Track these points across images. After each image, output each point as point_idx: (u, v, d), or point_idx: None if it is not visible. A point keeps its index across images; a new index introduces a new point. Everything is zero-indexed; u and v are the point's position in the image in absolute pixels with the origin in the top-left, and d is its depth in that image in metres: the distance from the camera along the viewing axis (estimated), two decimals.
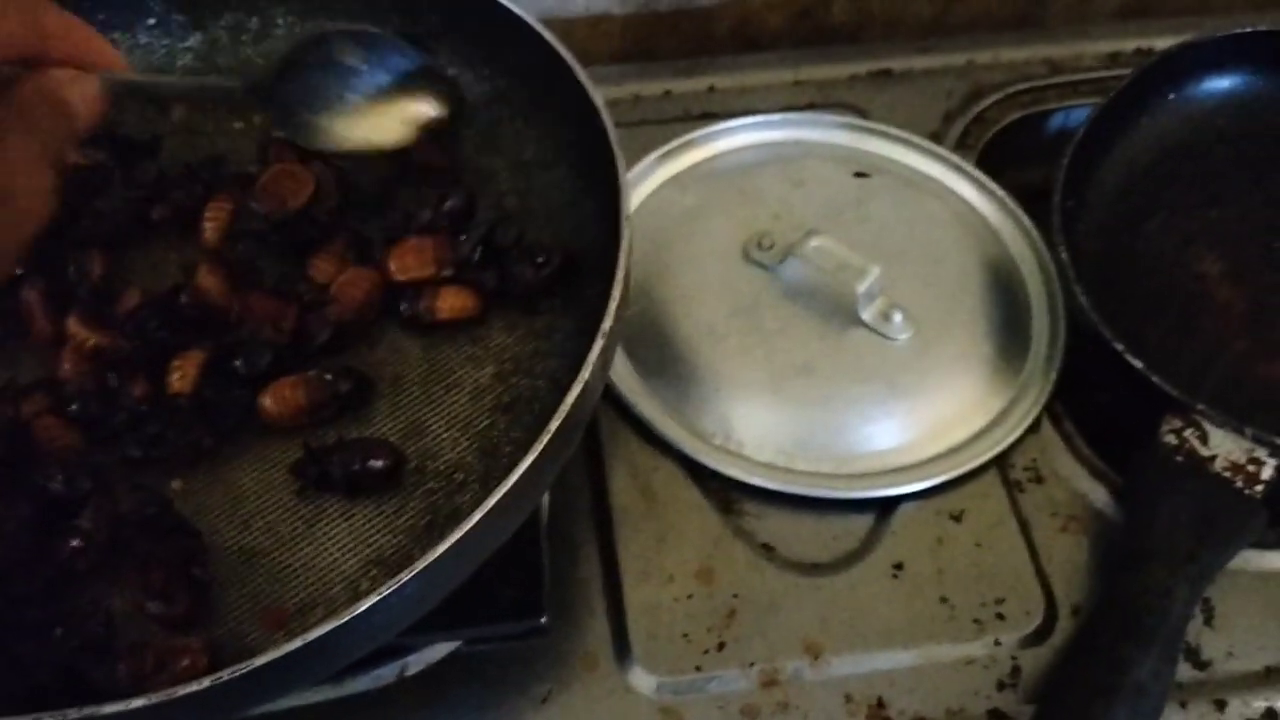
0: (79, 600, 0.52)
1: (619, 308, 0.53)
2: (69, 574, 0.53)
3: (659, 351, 0.67)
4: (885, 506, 0.64)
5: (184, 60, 0.71)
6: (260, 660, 0.43)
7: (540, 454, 0.48)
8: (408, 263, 0.60)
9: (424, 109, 0.61)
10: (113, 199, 0.64)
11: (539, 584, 0.59)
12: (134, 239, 0.64)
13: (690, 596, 0.60)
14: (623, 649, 0.59)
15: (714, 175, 0.76)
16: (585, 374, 0.50)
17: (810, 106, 0.82)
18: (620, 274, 0.53)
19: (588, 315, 0.60)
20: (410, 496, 0.56)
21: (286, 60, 0.56)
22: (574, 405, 0.49)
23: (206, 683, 0.42)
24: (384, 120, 0.60)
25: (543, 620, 0.58)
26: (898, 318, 0.67)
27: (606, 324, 0.52)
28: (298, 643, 0.43)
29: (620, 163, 0.57)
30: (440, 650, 0.58)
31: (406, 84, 0.60)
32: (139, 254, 0.63)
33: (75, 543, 0.53)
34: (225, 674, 0.42)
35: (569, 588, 0.61)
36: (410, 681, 0.57)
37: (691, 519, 0.63)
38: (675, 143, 0.77)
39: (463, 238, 0.62)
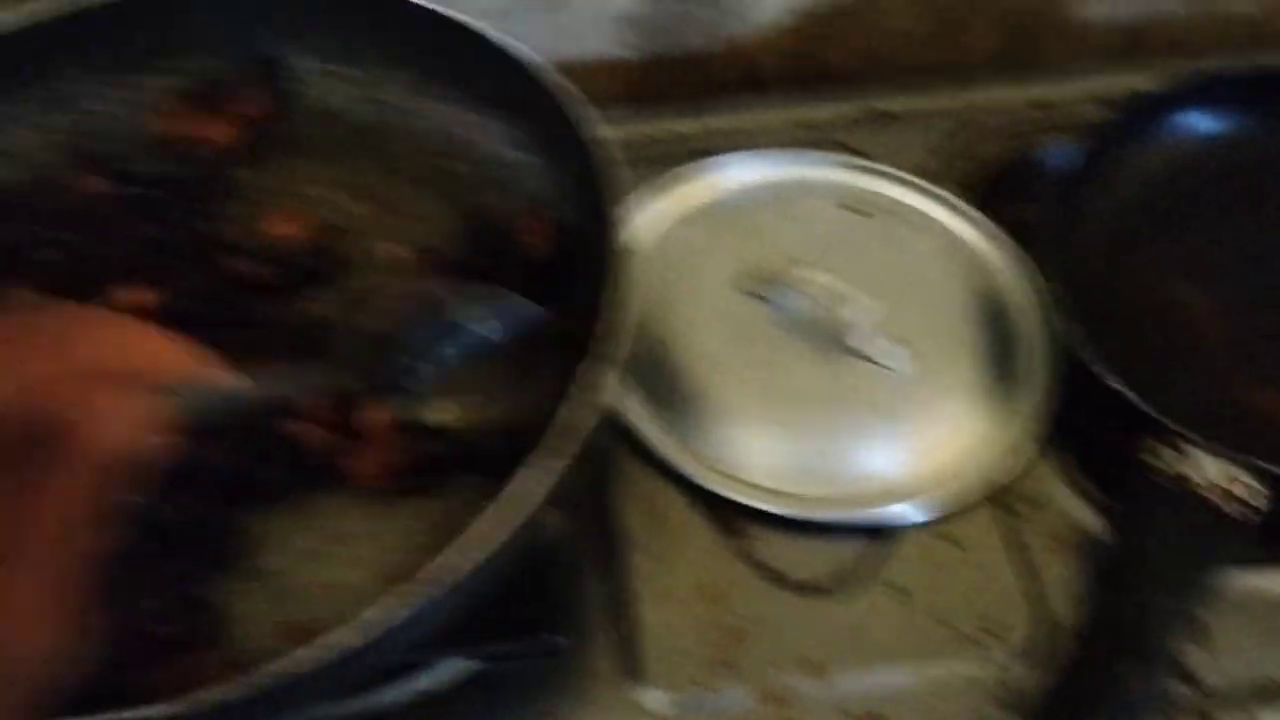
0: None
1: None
2: None
3: (663, 379, 0.69)
4: (886, 532, 0.66)
5: None
6: (271, 670, 0.44)
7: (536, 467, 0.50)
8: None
9: None
10: None
11: (552, 604, 0.61)
12: None
13: (698, 616, 0.62)
14: (634, 667, 0.61)
15: (711, 211, 0.78)
16: (580, 396, 0.52)
17: (810, 147, 0.84)
18: (617, 305, 0.55)
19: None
20: (433, 513, 0.58)
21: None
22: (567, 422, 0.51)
23: (220, 694, 0.44)
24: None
25: (557, 639, 0.60)
26: (894, 347, 0.70)
27: (601, 348, 0.54)
28: (307, 654, 0.45)
29: (612, 189, 0.59)
30: (454, 669, 0.59)
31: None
32: None
33: None
34: (242, 683, 0.44)
35: (581, 608, 0.63)
36: (426, 700, 0.59)
37: (697, 541, 0.65)
38: (669, 178, 0.80)
39: None
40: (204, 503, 0.56)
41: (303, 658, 0.45)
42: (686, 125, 0.87)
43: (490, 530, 0.48)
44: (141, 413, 0.36)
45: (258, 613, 0.55)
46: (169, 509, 0.55)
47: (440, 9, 0.69)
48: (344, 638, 0.45)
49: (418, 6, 0.70)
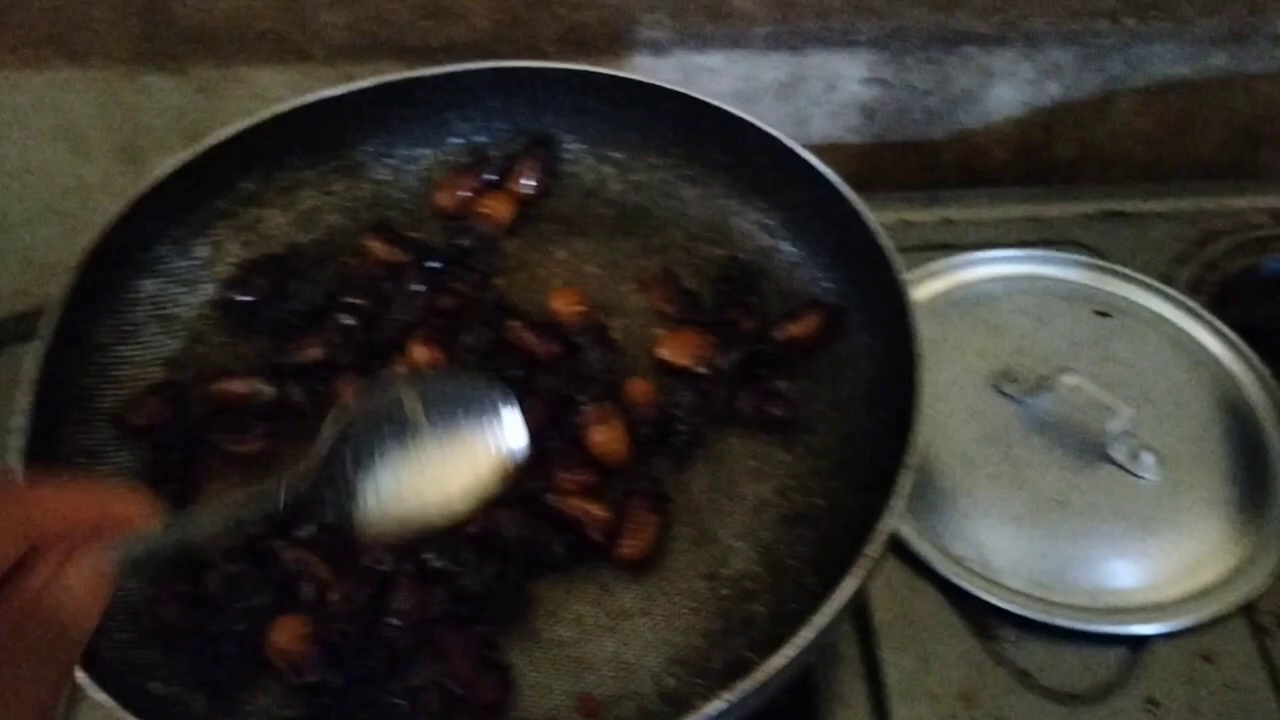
0: (405, 678, 0.57)
1: (916, 445, 0.56)
2: (392, 654, 0.58)
3: (914, 475, 0.70)
4: (1137, 643, 0.66)
5: None
6: None
7: (855, 589, 0.52)
8: (676, 348, 0.66)
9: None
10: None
11: (812, 694, 0.62)
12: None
13: (953, 717, 0.63)
14: None
15: (956, 305, 0.80)
16: (898, 505, 0.54)
17: (1044, 242, 0.85)
18: (918, 418, 0.57)
19: (861, 439, 0.65)
20: (706, 600, 0.60)
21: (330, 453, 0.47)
22: (886, 535, 0.53)
23: None
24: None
25: None
26: (1147, 458, 0.70)
27: (910, 459, 0.56)
28: None
29: (908, 299, 0.62)
30: None
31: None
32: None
33: (395, 622, 0.58)
34: None
35: (836, 700, 0.64)
36: None
37: (951, 641, 0.66)
38: (917, 272, 0.81)
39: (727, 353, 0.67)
40: (503, 571, 0.59)
41: None
42: (916, 214, 0.89)
43: (810, 631, 0.50)
44: (90, 572, 0.38)
45: (550, 681, 0.57)
46: (473, 575, 0.58)
47: (707, 99, 0.72)
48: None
49: (681, 95, 0.73)
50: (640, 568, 0.61)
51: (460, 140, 0.77)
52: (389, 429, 0.47)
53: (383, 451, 0.47)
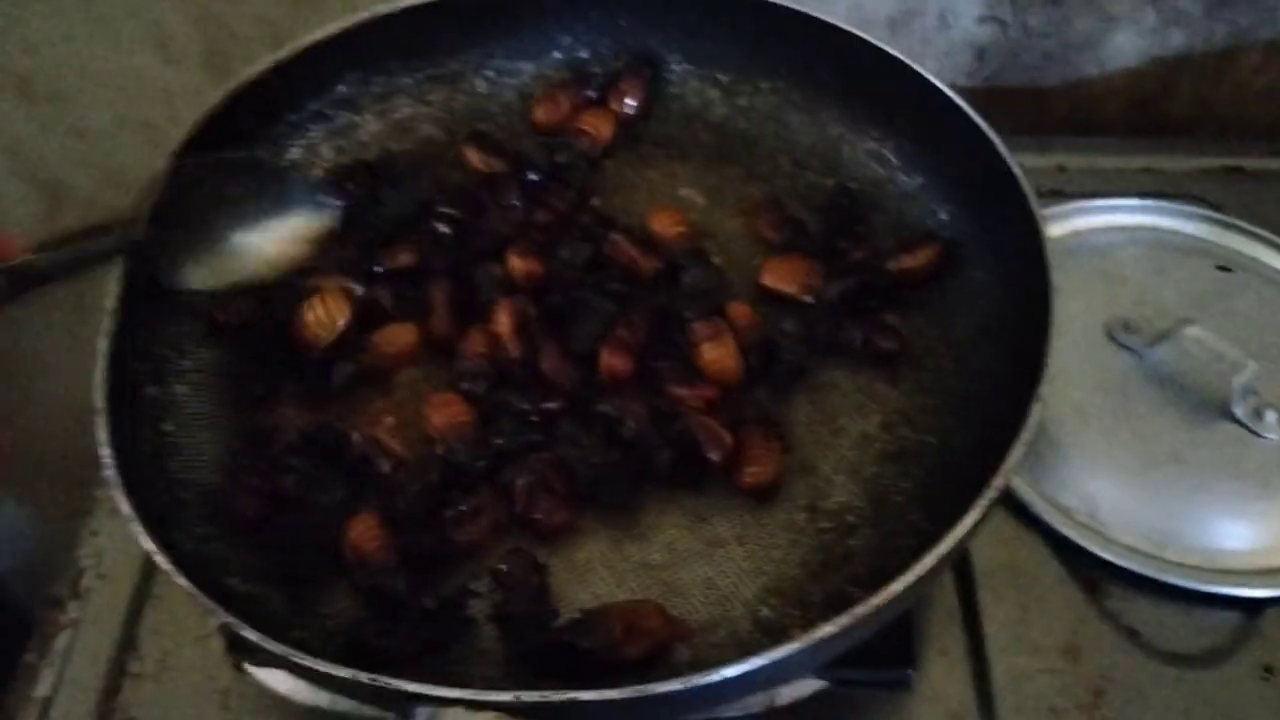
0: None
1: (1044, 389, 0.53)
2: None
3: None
4: (1253, 607, 0.63)
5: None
6: (727, 672, 0.44)
7: (976, 521, 0.49)
8: (781, 274, 0.63)
9: (310, 225, 0.63)
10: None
11: (908, 636, 0.59)
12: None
13: (1056, 670, 0.60)
14: (988, 713, 0.59)
15: (1071, 253, 0.76)
16: (1026, 438, 0.51)
17: (1160, 195, 0.81)
18: (1049, 350, 0.54)
19: (975, 376, 0.62)
20: (804, 532, 0.58)
21: (161, 204, 0.58)
22: (1012, 469, 0.50)
23: (678, 685, 0.44)
24: (271, 246, 0.62)
25: (909, 672, 0.59)
26: (1270, 416, 0.66)
27: (1041, 391, 0.52)
28: (759, 661, 0.45)
29: (1043, 228, 0.58)
30: (809, 686, 0.58)
31: (290, 205, 0.63)
32: None
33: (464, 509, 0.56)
34: (696, 679, 0.44)
35: (933, 645, 0.61)
36: (778, 713, 0.58)
37: (1056, 593, 0.63)
38: None
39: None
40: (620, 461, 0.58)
41: (738, 663, 0.44)
42: (1028, 159, 0.84)
43: (925, 565, 0.47)
44: None
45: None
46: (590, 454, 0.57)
47: (825, 18, 0.69)
48: (771, 654, 0.45)
49: (796, 13, 0.70)
50: (765, 495, 0.58)
51: (561, 55, 0.75)
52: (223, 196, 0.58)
53: (216, 211, 0.58)
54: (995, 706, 0.59)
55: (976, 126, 0.63)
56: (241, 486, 0.57)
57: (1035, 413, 0.51)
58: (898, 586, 0.46)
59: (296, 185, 0.65)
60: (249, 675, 0.60)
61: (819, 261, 0.66)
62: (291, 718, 0.60)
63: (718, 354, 0.60)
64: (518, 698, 0.44)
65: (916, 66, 0.66)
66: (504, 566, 0.55)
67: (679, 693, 0.44)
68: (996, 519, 0.65)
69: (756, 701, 0.58)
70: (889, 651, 0.59)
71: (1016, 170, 0.60)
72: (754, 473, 0.58)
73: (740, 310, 0.63)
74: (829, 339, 0.63)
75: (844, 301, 0.64)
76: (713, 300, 0.64)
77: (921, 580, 0.47)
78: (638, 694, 0.44)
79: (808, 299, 0.64)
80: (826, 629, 0.45)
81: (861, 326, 0.63)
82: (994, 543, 0.65)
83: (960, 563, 0.64)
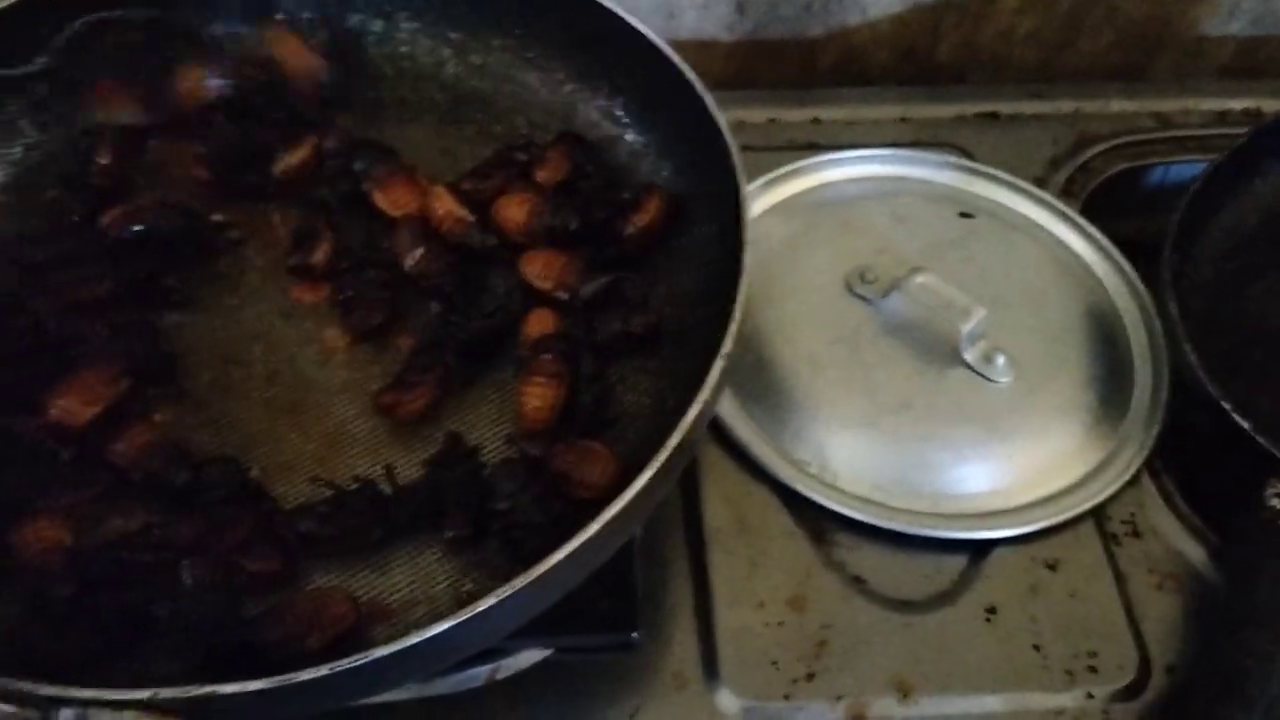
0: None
1: (738, 329, 0.53)
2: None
3: (757, 377, 0.67)
4: (979, 549, 0.63)
5: None
6: (380, 652, 0.43)
7: (659, 469, 0.48)
8: (536, 267, 0.61)
9: None
10: None
11: (632, 599, 0.58)
12: None
13: (781, 624, 0.60)
14: (712, 671, 0.59)
15: (818, 205, 0.76)
16: (705, 394, 0.50)
17: (916, 144, 0.82)
18: (740, 297, 0.54)
19: (693, 335, 0.61)
20: None
21: None
22: (693, 423, 0.49)
23: (325, 670, 0.43)
24: None
25: (634, 635, 0.58)
26: (1000, 360, 0.67)
27: (727, 345, 0.52)
28: (415, 639, 0.43)
29: (743, 184, 0.58)
30: (531, 657, 0.57)
31: None
32: None
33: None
34: (344, 662, 0.43)
35: (660, 606, 0.61)
36: (501, 685, 0.57)
37: (784, 546, 0.63)
38: (780, 170, 0.78)
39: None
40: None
41: (405, 637, 0.43)
42: (786, 113, 0.85)
43: (611, 521, 0.46)
44: None
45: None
46: None
47: None
48: (449, 622, 0.44)
49: None
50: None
51: (283, 17, 0.72)
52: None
53: None
54: (719, 663, 0.59)
55: (688, 80, 0.62)
56: None
57: (716, 370, 0.50)
58: (558, 556, 0.45)
59: None
60: None
61: (574, 251, 0.63)
62: None
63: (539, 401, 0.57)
64: (155, 694, 0.42)
65: (632, 20, 0.64)
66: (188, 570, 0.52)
67: (329, 678, 0.43)
68: (729, 475, 0.65)
69: (475, 675, 0.57)
70: (613, 615, 0.58)
71: (722, 123, 0.59)
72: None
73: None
74: (591, 339, 0.60)
75: (598, 298, 0.62)
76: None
77: (587, 547, 0.46)
78: (280, 683, 0.42)
79: (563, 296, 0.62)
80: (491, 599, 0.44)
81: (617, 312, 0.61)
82: (725, 500, 0.64)
83: (692, 522, 0.64)
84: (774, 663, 0.59)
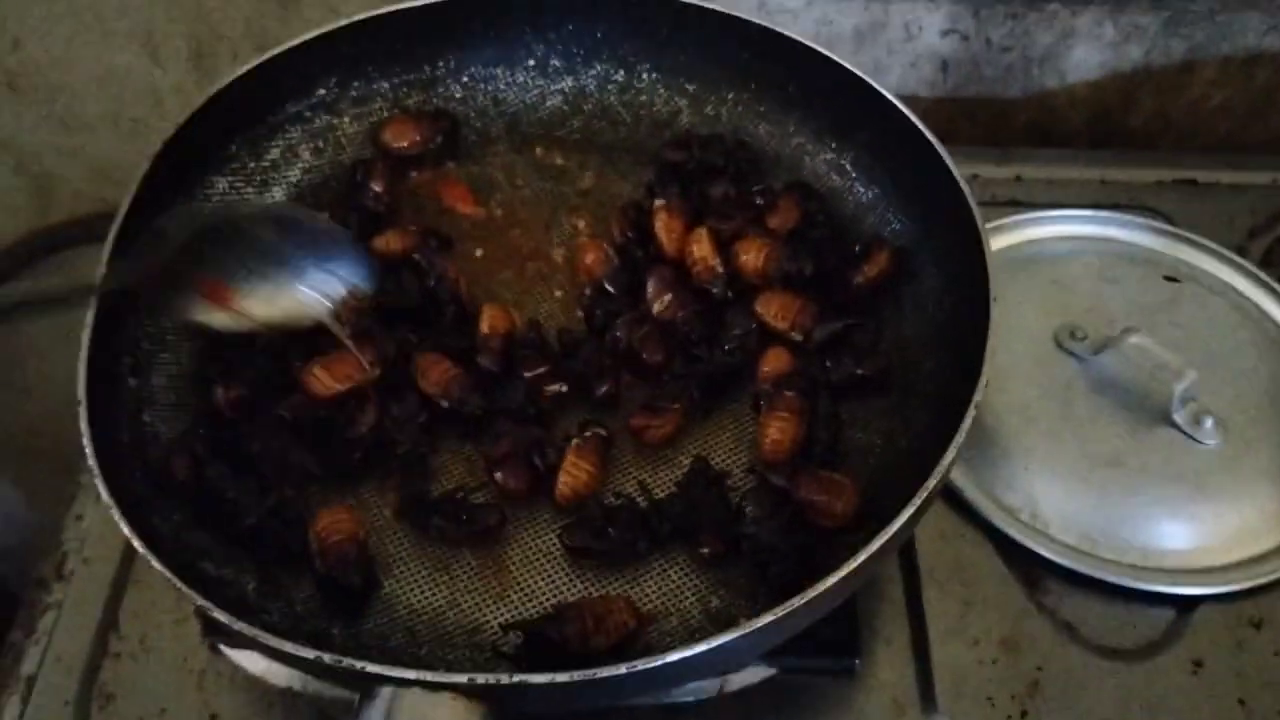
0: None
1: (985, 384, 0.56)
2: None
3: (975, 424, 0.70)
4: (1186, 604, 0.65)
5: (553, 101, 0.78)
6: (672, 656, 0.47)
7: (918, 508, 0.51)
8: (773, 308, 0.65)
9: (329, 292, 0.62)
10: None
11: (854, 627, 0.62)
12: None
13: (995, 662, 0.63)
14: (929, 701, 0.62)
15: (1024, 262, 0.79)
16: (959, 438, 0.54)
17: (1115, 206, 0.84)
18: (989, 349, 0.57)
19: (922, 380, 0.64)
20: None
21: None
22: (948, 466, 0.53)
23: (623, 669, 0.47)
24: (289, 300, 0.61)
25: (855, 661, 0.62)
26: (1209, 423, 0.69)
27: (978, 394, 0.55)
28: (702, 647, 0.47)
29: (985, 238, 0.61)
30: (758, 673, 0.61)
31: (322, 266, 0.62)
32: None
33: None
34: (640, 664, 0.47)
35: (878, 637, 0.64)
36: (728, 698, 0.61)
37: (996, 588, 0.66)
38: (986, 226, 0.80)
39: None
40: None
41: (693, 645, 0.47)
42: (987, 169, 0.88)
43: (857, 562, 0.50)
44: None
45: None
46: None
47: (789, 33, 0.72)
48: (727, 636, 0.47)
49: (763, 29, 0.72)
50: None
51: (534, 62, 0.77)
52: (244, 247, 0.57)
53: (236, 265, 0.57)
54: (935, 695, 0.62)
55: (926, 139, 0.66)
56: (179, 448, 0.59)
57: (969, 417, 0.54)
58: (831, 581, 0.49)
59: (337, 241, 0.65)
60: (224, 656, 0.63)
61: (806, 294, 0.67)
62: (265, 698, 0.62)
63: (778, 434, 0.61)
64: (472, 679, 0.47)
65: (872, 81, 0.68)
66: None
67: (623, 677, 0.47)
68: (942, 516, 0.68)
69: (707, 686, 0.61)
70: (836, 641, 0.62)
71: (961, 181, 0.63)
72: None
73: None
74: (825, 379, 0.64)
75: (830, 341, 0.66)
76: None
77: (852, 575, 0.49)
78: (584, 678, 0.46)
79: (796, 337, 0.66)
80: (766, 618, 0.48)
81: (849, 355, 0.65)
82: (939, 539, 0.67)
83: (906, 558, 0.67)
84: (989, 698, 0.62)
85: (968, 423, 0.54)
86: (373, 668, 0.47)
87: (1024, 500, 0.68)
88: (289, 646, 0.48)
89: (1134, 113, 0.94)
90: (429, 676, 0.47)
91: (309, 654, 0.48)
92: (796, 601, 0.48)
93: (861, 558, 0.49)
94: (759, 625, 0.48)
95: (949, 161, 0.64)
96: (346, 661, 0.47)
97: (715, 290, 0.67)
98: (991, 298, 0.59)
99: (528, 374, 0.63)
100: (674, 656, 0.47)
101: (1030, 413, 0.70)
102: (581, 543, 0.57)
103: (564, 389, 0.63)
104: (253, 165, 0.72)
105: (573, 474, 0.59)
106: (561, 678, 0.46)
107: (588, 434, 0.60)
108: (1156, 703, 0.62)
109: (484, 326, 0.65)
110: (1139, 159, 0.89)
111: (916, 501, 0.51)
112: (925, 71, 0.92)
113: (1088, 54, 0.90)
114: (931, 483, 0.52)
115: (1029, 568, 0.66)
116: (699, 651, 0.47)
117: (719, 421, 0.64)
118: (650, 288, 0.66)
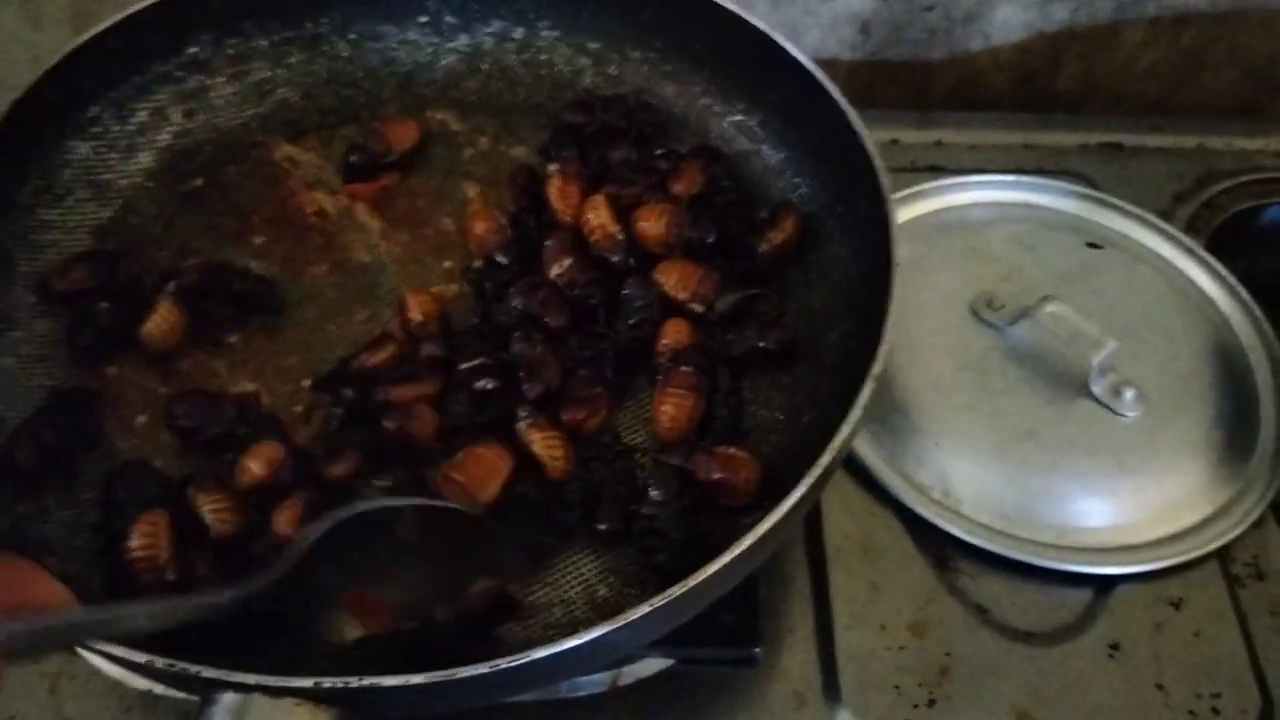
0: None
1: (888, 351, 0.53)
2: None
3: (881, 398, 0.67)
4: (1104, 584, 0.63)
5: (447, 61, 0.73)
6: (538, 654, 0.43)
7: (813, 482, 0.48)
8: (672, 278, 0.61)
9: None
10: None
11: (755, 614, 0.59)
12: None
13: (902, 648, 0.60)
14: (832, 691, 0.59)
15: (942, 229, 0.76)
16: (857, 412, 0.50)
17: (1039, 171, 0.81)
18: (889, 318, 0.54)
19: (828, 352, 0.61)
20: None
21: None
22: (845, 440, 0.49)
23: (485, 669, 0.43)
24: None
25: (756, 650, 0.58)
26: (1129, 394, 0.66)
27: (877, 366, 0.52)
28: (573, 642, 0.44)
29: (890, 204, 0.57)
30: (653, 665, 0.58)
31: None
32: None
33: None
34: (503, 663, 0.43)
35: (781, 623, 0.61)
36: (622, 692, 0.57)
37: (906, 570, 0.63)
38: (904, 192, 0.77)
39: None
40: None
41: (571, 640, 0.44)
42: (908, 134, 0.85)
43: (757, 539, 0.46)
44: None
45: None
46: None
47: None
48: (600, 630, 0.44)
49: None
50: None
51: (427, 19, 0.73)
52: (371, 545, 0.50)
53: (360, 564, 0.50)
54: (839, 685, 0.59)
55: (834, 100, 0.62)
56: (26, 435, 0.55)
57: (868, 389, 0.50)
58: (712, 569, 0.45)
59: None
60: (79, 659, 0.58)
61: (709, 264, 0.63)
62: (123, 701, 0.58)
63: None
64: (317, 683, 0.43)
65: (782, 40, 0.65)
66: None
67: (485, 676, 0.43)
68: (850, 495, 0.65)
69: (599, 680, 0.58)
70: (736, 629, 0.58)
71: (869, 143, 0.59)
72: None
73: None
74: (726, 353, 0.60)
75: (732, 312, 0.62)
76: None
77: (736, 563, 0.46)
78: (443, 678, 0.43)
79: (697, 308, 0.62)
80: (642, 609, 0.45)
81: (752, 327, 0.61)
82: (847, 519, 0.64)
83: (813, 540, 0.64)
84: (896, 687, 0.59)
85: (865, 395, 0.50)
86: (209, 672, 0.43)
87: (935, 477, 0.65)
88: (120, 650, 0.44)
89: (1060, 75, 0.91)
90: (270, 681, 0.43)
91: (141, 658, 0.43)
92: (676, 591, 0.45)
93: (748, 542, 0.46)
94: (633, 618, 0.44)
95: (856, 123, 0.61)
96: (179, 666, 0.43)
97: (615, 259, 0.63)
98: (895, 263, 0.55)
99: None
100: (540, 654, 0.43)
101: (944, 385, 0.67)
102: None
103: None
104: (117, 129, 0.67)
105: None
106: (416, 679, 0.43)
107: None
108: (1071, 688, 0.59)
109: (415, 314, 0.61)
110: (1063, 123, 0.87)
111: (805, 485, 0.48)
112: (845, 33, 0.88)
113: (1012, 13, 0.87)
114: (824, 460, 0.48)
115: (940, 548, 0.64)
116: (569, 647, 0.44)
117: (636, 398, 0.61)
118: (548, 250, 0.62)
